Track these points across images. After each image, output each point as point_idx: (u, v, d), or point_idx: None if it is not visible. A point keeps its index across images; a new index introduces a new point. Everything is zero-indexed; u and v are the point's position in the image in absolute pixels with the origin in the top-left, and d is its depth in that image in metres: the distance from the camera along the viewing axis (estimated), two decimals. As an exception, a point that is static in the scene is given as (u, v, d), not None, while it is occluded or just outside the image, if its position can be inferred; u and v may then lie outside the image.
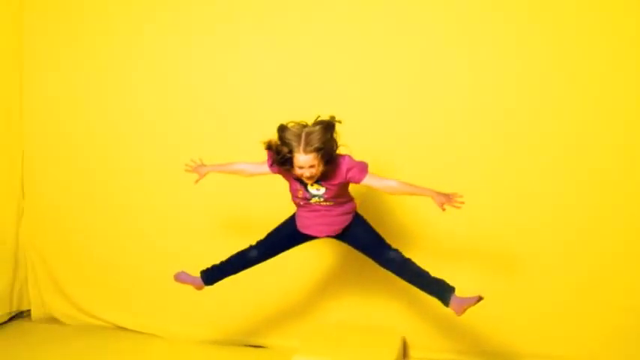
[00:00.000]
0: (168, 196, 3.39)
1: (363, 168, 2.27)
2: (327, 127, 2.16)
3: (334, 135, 2.19)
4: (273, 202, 2.84)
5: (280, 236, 2.52)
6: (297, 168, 2.19)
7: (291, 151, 2.14)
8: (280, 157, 2.19)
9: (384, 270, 2.93)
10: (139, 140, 3.43)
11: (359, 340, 2.91)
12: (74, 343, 3.34)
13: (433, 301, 2.91)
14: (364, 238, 2.43)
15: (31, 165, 3.67)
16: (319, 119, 2.19)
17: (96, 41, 3.46)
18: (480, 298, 2.22)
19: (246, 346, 3.29)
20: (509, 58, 2.84)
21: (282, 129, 2.18)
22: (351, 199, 2.44)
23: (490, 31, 2.86)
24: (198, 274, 2.67)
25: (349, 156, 2.27)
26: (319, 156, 2.14)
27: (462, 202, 2.17)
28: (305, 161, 2.14)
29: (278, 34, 3.14)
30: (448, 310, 2.86)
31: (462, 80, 2.91)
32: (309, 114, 2.25)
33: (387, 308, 3.11)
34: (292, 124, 2.18)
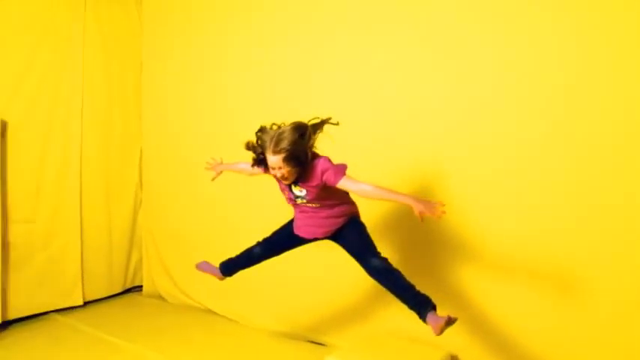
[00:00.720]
0: (266, 191, 3.57)
1: (338, 170, 2.20)
2: (297, 128, 2.15)
3: (307, 136, 2.16)
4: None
5: (280, 236, 2.56)
6: (270, 169, 2.22)
7: (263, 152, 2.18)
8: (256, 158, 2.25)
9: (447, 283, 2.87)
10: (235, 139, 3.67)
11: (402, 351, 2.80)
12: (171, 319, 3.78)
13: (490, 322, 2.76)
14: (352, 243, 2.37)
15: (148, 160, 4.21)
16: (295, 122, 2.19)
17: (204, 50, 3.84)
18: (449, 320, 2.09)
19: (308, 341, 3.37)
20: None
21: (260, 130, 2.23)
22: (345, 203, 2.38)
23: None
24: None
25: (325, 158, 2.23)
26: (286, 157, 2.13)
27: (444, 212, 2.00)
28: (273, 162, 2.16)
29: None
30: (504, 329, 2.72)
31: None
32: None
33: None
34: (275, 126, 2.21)
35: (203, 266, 2.90)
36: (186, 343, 3.31)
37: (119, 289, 4.17)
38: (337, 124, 2.23)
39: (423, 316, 2.18)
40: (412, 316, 2.99)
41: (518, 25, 2.62)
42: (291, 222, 2.55)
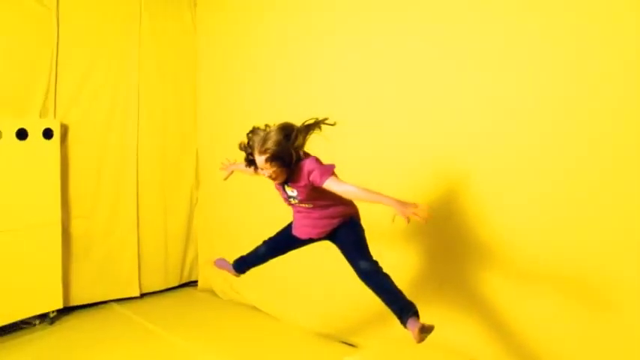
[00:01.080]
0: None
1: (325, 171, 2.16)
2: (283, 129, 2.16)
3: (293, 137, 2.17)
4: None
5: (282, 236, 2.58)
6: (259, 169, 2.25)
7: (252, 153, 2.21)
8: (245, 158, 2.29)
9: (470, 290, 2.71)
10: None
11: (419, 357, 2.67)
12: (219, 314, 3.93)
13: (513, 328, 2.56)
14: (345, 244, 2.34)
15: (204, 161, 4.39)
16: (283, 122, 2.21)
17: (257, 50, 3.93)
18: (423, 327, 2.03)
19: (341, 342, 3.31)
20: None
21: (251, 131, 2.26)
22: (341, 204, 2.33)
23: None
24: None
25: (313, 158, 2.21)
26: (270, 157, 2.15)
27: (427, 216, 1.90)
28: (260, 162, 2.20)
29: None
30: (526, 337, 2.51)
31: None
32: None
33: (463, 327, 2.78)
34: (268, 127, 2.23)
35: (220, 263, 2.98)
36: (229, 338, 3.45)
37: (175, 283, 4.39)
38: (334, 124, 2.21)
39: (404, 321, 2.12)
40: (439, 321, 2.88)
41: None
42: (291, 223, 2.56)
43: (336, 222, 2.34)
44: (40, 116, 3.56)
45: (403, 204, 1.97)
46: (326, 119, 2.23)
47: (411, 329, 2.07)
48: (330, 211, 2.34)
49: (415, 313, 2.12)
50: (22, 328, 3.45)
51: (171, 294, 4.32)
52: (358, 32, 3.21)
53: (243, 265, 2.85)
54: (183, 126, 4.34)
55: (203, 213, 4.43)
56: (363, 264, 2.27)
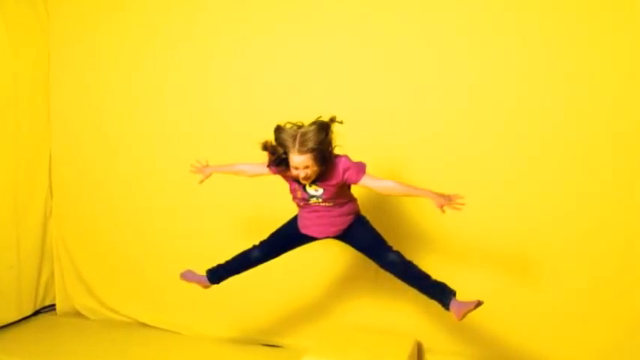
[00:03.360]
0: (188, 196, 3.45)
1: (360, 169, 2.26)
2: (322, 127, 2.16)
3: (330, 135, 2.19)
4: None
5: (282, 237, 2.54)
6: (292, 169, 2.20)
7: (286, 152, 2.16)
8: (276, 158, 2.21)
9: None
10: (160, 142, 3.52)
11: (370, 343, 2.91)
12: (98, 337, 3.45)
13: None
14: (365, 240, 2.42)
15: (59, 166, 3.79)
16: (318, 120, 2.19)
17: (119, 45, 3.55)
18: (479, 303, 2.20)
19: (262, 345, 3.33)
20: (510, 57, 2.81)
21: (278, 130, 2.19)
22: (352, 200, 2.44)
23: (491, 30, 2.84)
24: (204, 273, 2.72)
25: (346, 156, 2.28)
26: (313, 156, 2.14)
27: (463, 204, 2.13)
28: (299, 162, 2.15)
29: (281, 34, 3.16)
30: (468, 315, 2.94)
31: (463, 80, 2.89)
32: (312, 114, 2.26)
33: (403, 311, 3.09)
34: (289, 124, 2.19)
35: (188, 275, 2.75)
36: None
37: (30, 311, 3.69)
38: (341, 122, 2.25)
39: (446, 305, 2.29)
40: (361, 307, 3.18)
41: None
42: (290, 223, 2.53)
43: (349, 219, 2.40)
44: None
45: (439, 195, 2.16)
46: (335, 117, 2.24)
47: (455, 311, 2.23)
48: (346, 208, 2.39)
49: (454, 294, 2.29)
50: None
51: (27, 325, 3.59)
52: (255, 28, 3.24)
53: (223, 273, 2.68)
54: (35, 126, 3.67)
55: (60, 224, 3.82)
56: (392, 256, 2.36)
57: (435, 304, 2.91)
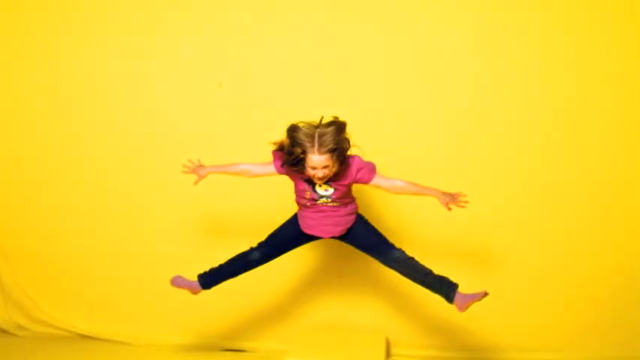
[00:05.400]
0: (132, 196, 3.27)
1: (372, 168, 2.32)
2: (340, 127, 2.18)
3: (346, 135, 2.22)
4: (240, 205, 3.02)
5: (283, 237, 2.52)
6: (309, 169, 2.19)
7: (304, 152, 2.15)
8: (293, 158, 2.18)
9: (363, 270, 3.10)
10: (101, 140, 3.24)
11: (344, 341, 2.99)
12: (31, 357, 3.12)
13: (412, 299, 3.12)
14: (367, 238, 2.46)
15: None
16: (331, 119, 2.20)
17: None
18: (485, 294, 2.34)
19: (224, 350, 3.25)
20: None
21: (294, 129, 2.17)
22: (354, 200, 2.49)
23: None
24: (196, 278, 2.62)
25: (359, 156, 2.32)
26: (334, 157, 2.16)
27: (466, 202, 2.25)
28: (319, 162, 2.15)
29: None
30: (426, 307, 3.11)
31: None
32: (312, 114, 2.25)
33: (366, 308, 3.20)
34: (302, 124, 2.19)
35: (178, 281, 2.61)
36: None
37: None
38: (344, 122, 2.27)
39: (450, 299, 2.40)
40: (323, 306, 3.25)
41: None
42: (290, 223, 2.51)
43: (352, 218, 2.42)
44: None
45: (446, 194, 2.26)
46: (336, 118, 2.25)
47: (459, 305, 2.35)
48: (349, 208, 2.41)
49: (457, 287, 2.38)
50: None
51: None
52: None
53: (216, 278, 2.59)
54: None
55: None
56: (397, 253, 2.41)
57: (398, 299, 3.14)
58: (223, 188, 2.98)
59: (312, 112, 2.25)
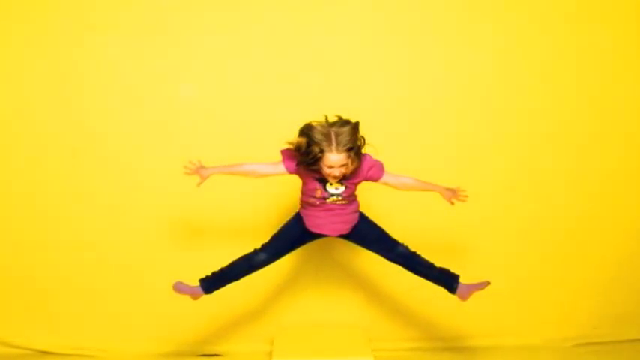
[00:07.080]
0: (95, 201, 3.11)
1: (381, 166, 2.37)
2: (356, 126, 2.21)
3: (360, 134, 2.25)
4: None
5: (289, 237, 2.49)
6: (325, 168, 2.20)
7: (322, 151, 2.15)
8: (311, 158, 2.17)
9: (339, 265, 3.14)
10: (64, 134, 3.07)
11: (327, 338, 2.97)
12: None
13: (388, 293, 3.18)
14: (372, 235, 2.50)
15: None
16: (344, 119, 2.22)
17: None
18: (487, 283, 2.46)
19: (200, 355, 3.16)
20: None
21: (309, 128, 2.17)
22: (356, 198, 2.51)
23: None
24: (198, 283, 2.55)
25: (369, 155, 2.35)
26: (351, 155, 2.18)
27: (466, 196, 2.37)
28: (337, 161, 2.16)
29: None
30: (402, 301, 3.18)
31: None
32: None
33: (343, 303, 3.22)
34: (316, 123, 2.20)
35: (180, 286, 2.52)
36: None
37: None
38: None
39: (453, 290, 2.49)
40: (300, 305, 3.23)
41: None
42: (294, 223, 2.48)
43: (357, 216, 2.44)
44: None
45: (449, 190, 2.38)
46: (340, 118, 2.27)
47: (462, 295, 2.47)
48: (354, 206, 2.43)
49: (458, 278, 2.48)
50: None
51: None
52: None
53: (219, 282, 2.52)
54: None
55: None
56: (401, 248, 2.45)
57: (373, 293, 3.19)
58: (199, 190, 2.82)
59: (312, 113, 2.25)
